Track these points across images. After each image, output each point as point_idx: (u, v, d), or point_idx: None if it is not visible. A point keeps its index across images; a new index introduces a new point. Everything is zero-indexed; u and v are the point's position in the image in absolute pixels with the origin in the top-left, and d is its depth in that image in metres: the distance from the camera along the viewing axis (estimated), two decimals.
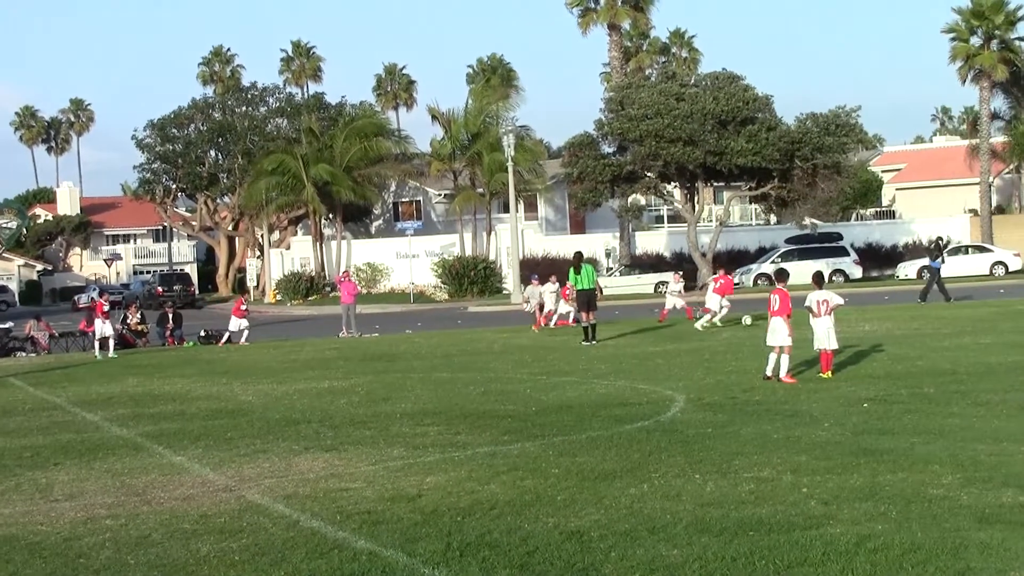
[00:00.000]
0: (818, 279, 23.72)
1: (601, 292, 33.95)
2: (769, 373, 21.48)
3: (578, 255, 34.90)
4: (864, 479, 12.16)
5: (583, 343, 32.36)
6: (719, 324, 35.94)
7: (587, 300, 33.34)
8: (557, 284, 41.89)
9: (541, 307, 43.54)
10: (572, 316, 39.47)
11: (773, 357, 21.57)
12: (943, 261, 47.05)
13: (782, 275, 23.42)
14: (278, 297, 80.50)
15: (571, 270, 34.18)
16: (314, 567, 9.72)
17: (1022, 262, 68.28)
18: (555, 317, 41.44)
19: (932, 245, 48.15)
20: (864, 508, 10.85)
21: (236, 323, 42.38)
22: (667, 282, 66.19)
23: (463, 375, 25.67)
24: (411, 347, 34.94)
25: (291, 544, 10.54)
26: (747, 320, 35.74)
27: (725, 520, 10.63)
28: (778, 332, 21.53)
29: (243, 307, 43.21)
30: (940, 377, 20.85)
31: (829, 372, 21.71)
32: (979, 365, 22.54)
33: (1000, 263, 67.16)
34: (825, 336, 21.70)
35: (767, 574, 8.99)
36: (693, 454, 14.13)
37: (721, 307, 36.63)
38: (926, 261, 67.48)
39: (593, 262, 35.03)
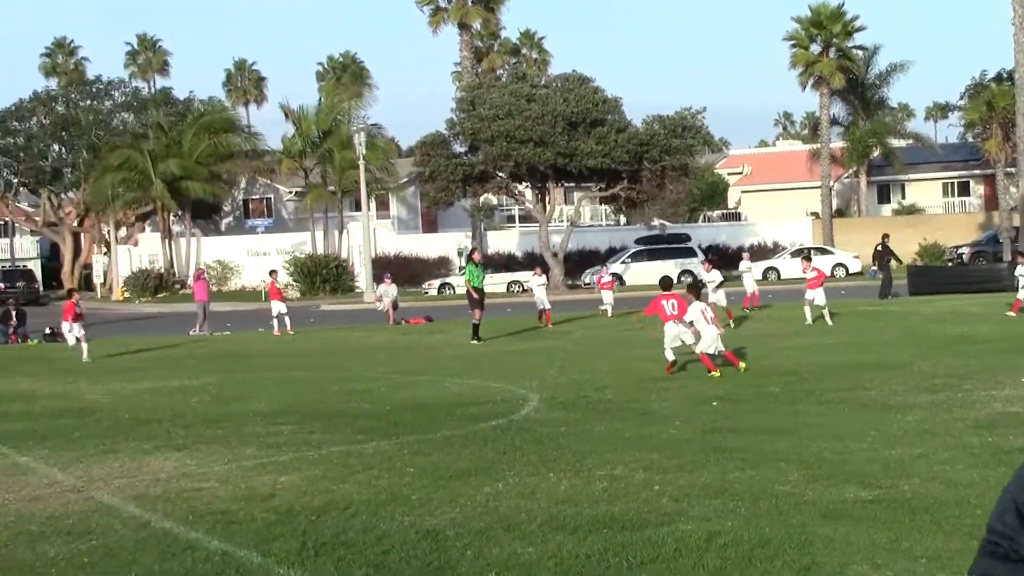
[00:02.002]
0: (695, 290, 24.54)
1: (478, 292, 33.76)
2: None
3: (476, 250, 36.02)
4: (714, 476, 12.39)
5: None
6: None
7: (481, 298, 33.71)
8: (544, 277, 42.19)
9: (395, 305, 43.51)
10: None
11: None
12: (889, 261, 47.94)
13: (666, 283, 23.73)
14: (126, 294, 79.06)
15: (471, 264, 34.55)
16: (166, 568, 9.59)
17: (861, 264, 70.06)
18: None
19: (881, 247, 48.69)
20: (714, 505, 11.06)
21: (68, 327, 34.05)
22: (519, 281, 66.68)
23: (316, 374, 25.55)
24: (263, 346, 34.64)
25: (142, 545, 10.38)
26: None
27: (579, 518, 10.74)
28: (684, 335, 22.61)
29: (77, 309, 33.48)
30: (785, 376, 21.31)
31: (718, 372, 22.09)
32: (821, 364, 23.10)
33: (840, 265, 68.83)
34: (714, 340, 22.36)
35: (620, 571, 9.10)
36: (547, 452, 14.24)
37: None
38: (771, 263, 69.11)
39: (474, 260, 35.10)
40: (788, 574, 8.85)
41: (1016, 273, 34.58)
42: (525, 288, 65.98)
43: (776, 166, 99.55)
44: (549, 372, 23.69)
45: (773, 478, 12.16)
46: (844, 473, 12.27)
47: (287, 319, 38.97)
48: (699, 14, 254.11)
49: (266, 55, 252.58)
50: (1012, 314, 32.57)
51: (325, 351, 31.85)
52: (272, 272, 44.34)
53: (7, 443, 16.84)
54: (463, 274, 37.81)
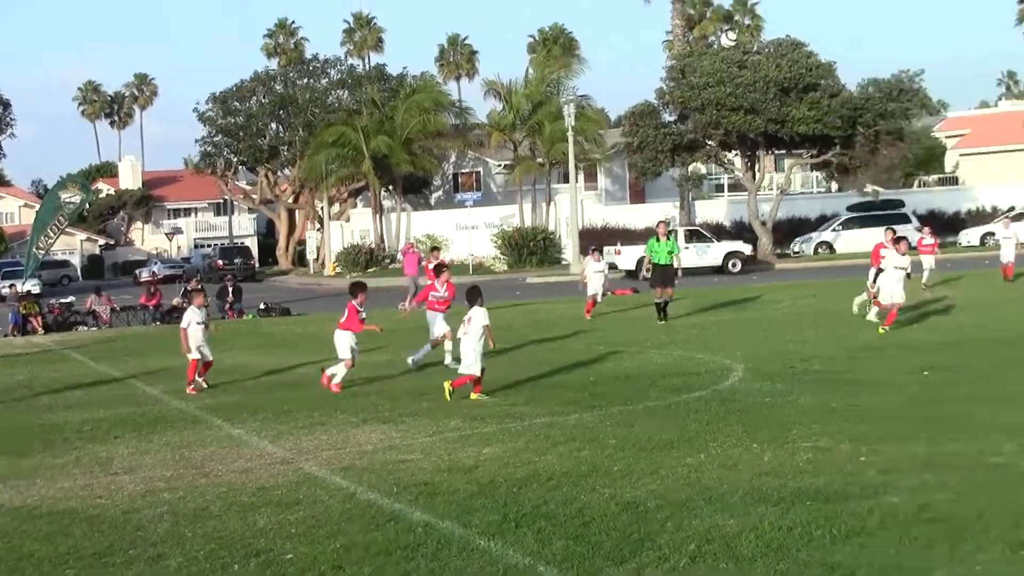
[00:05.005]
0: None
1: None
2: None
3: (663, 224, 32.37)
4: (923, 448, 12.06)
5: (658, 322, 29.71)
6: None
7: (663, 275, 30.47)
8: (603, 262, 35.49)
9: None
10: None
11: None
12: None
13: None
14: (338, 269, 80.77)
15: (651, 239, 31.17)
16: (370, 539, 9.74)
17: None
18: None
19: None
20: (923, 477, 10.76)
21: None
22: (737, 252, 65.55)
23: (521, 345, 25.67)
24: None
25: (348, 516, 10.58)
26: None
27: (783, 490, 10.58)
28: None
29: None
30: (1001, 345, 20.67)
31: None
32: None
33: None
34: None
35: (824, 543, 8.92)
36: (751, 423, 14.06)
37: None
38: (989, 227, 66.84)
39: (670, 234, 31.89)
40: (1000, 549, 8.57)
41: None
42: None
43: (998, 128, 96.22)
44: (754, 343, 23.39)
45: (987, 449, 11.79)
46: None
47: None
48: None
49: (478, 29, 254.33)
50: None
51: (530, 323, 31.98)
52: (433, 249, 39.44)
53: (221, 415, 17.36)
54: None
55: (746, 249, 59.80)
